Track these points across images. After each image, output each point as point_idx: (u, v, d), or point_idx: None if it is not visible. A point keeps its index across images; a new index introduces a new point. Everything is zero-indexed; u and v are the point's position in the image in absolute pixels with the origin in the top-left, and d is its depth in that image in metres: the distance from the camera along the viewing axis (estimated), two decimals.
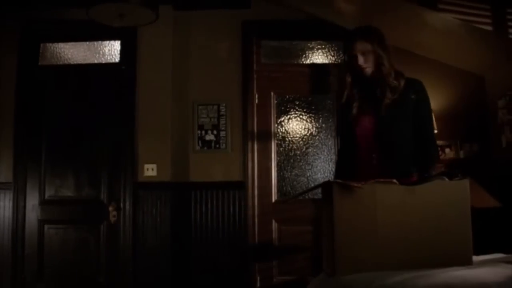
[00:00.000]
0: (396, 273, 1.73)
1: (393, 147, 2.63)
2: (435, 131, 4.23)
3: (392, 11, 4.09)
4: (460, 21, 4.04)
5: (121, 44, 4.57)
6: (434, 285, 1.57)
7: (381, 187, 1.98)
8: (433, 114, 4.20)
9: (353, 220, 1.96)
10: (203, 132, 4.51)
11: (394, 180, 2.01)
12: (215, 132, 4.50)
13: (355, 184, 1.98)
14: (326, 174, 4.54)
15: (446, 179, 2.05)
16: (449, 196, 2.02)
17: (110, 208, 4.31)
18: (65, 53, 4.62)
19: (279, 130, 4.62)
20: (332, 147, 4.54)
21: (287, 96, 4.64)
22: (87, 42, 4.62)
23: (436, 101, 4.41)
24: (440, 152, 4.30)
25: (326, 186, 2.12)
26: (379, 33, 2.71)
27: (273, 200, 4.53)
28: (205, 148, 4.50)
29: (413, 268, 1.85)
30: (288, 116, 4.64)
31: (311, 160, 4.59)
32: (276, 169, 4.56)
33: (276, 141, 4.60)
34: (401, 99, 2.62)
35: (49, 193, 4.40)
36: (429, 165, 2.61)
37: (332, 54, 4.71)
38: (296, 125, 4.64)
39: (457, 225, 2.00)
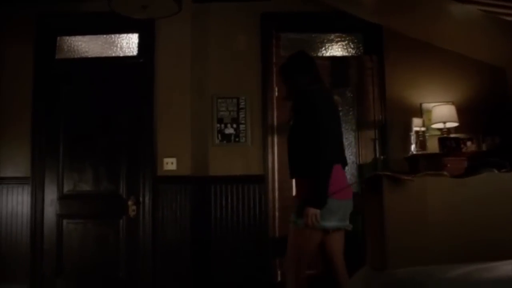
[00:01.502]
0: (455, 266, 1.70)
1: (288, 158, 2.96)
2: (454, 126, 4.24)
3: (415, 3, 4.05)
4: (483, 12, 3.99)
5: (139, 37, 4.52)
6: (498, 278, 1.55)
7: (432, 179, 1.97)
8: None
9: (404, 213, 1.94)
10: (223, 125, 4.47)
11: (445, 172, 1.99)
12: (234, 125, 4.46)
13: (406, 177, 1.96)
14: (346, 167, 4.49)
15: (496, 171, 2.03)
16: (499, 188, 2.00)
17: (130, 203, 4.27)
18: (82, 46, 4.57)
19: None
20: (353, 140, 4.51)
21: None
22: (104, 35, 4.58)
23: (457, 94, 4.41)
24: (461, 145, 4.28)
25: (373, 179, 2.09)
26: (289, 64, 3.10)
27: (294, 194, 4.47)
28: (225, 141, 4.47)
29: (464, 261, 1.82)
30: None
31: None
32: None
33: None
34: (295, 114, 2.90)
35: (67, 187, 4.35)
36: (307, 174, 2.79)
37: (352, 46, 4.67)
38: None
39: (508, 217, 1.97)
